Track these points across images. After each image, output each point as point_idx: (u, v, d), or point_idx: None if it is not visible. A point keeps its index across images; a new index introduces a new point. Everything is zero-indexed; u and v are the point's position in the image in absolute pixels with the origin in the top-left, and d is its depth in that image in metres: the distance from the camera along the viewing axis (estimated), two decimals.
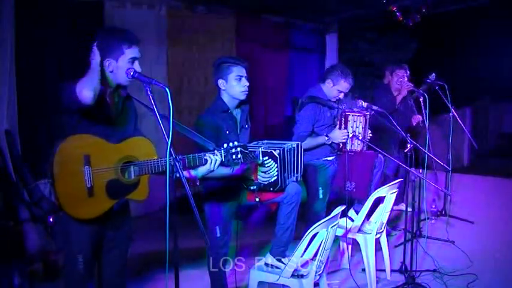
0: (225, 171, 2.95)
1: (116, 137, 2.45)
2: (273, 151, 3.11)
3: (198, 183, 2.83)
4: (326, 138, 4.08)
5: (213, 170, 2.65)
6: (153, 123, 2.46)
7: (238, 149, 2.63)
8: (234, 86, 3.19)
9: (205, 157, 2.59)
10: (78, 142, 2.32)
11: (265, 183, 3.15)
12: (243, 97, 3.24)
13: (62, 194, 2.29)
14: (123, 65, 2.41)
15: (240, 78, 3.19)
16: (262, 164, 3.10)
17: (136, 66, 2.45)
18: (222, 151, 2.62)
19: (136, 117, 2.67)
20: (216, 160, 2.61)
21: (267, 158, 3.11)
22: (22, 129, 4.41)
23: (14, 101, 4.34)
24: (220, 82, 3.21)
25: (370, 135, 4.24)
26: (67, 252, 2.50)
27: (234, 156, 2.63)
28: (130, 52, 2.42)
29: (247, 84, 3.22)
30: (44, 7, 4.58)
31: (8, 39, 4.24)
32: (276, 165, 3.12)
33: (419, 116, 5.44)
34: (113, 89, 2.50)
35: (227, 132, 3.17)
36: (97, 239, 2.52)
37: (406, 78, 5.32)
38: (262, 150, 3.11)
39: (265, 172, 3.13)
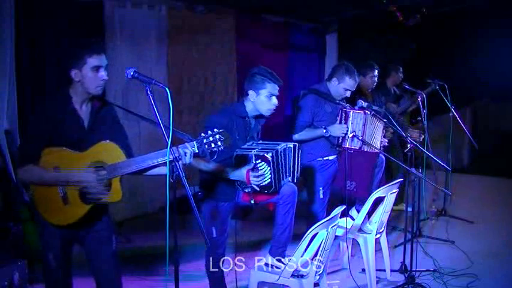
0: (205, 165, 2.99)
1: (86, 146, 2.48)
2: (266, 154, 3.04)
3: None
4: (324, 130, 4.07)
5: (188, 163, 2.44)
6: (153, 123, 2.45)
7: (217, 136, 2.44)
8: (264, 102, 3.17)
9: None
10: (47, 157, 2.42)
11: (258, 188, 3.08)
12: (267, 114, 3.23)
13: (41, 205, 2.47)
14: (87, 74, 2.42)
15: (271, 96, 3.17)
16: (255, 168, 3.04)
17: (103, 74, 2.45)
18: (195, 143, 2.44)
19: (115, 124, 2.65)
20: (186, 153, 2.41)
21: (259, 161, 3.05)
22: (22, 129, 4.41)
23: (14, 101, 4.34)
24: (251, 93, 3.18)
25: (386, 143, 4.25)
26: (42, 251, 2.58)
27: (213, 145, 2.43)
28: (93, 61, 2.42)
29: (277, 103, 3.18)
30: (44, 7, 4.58)
31: (8, 39, 4.24)
32: (269, 168, 3.05)
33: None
34: (85, 100, 2.51)
35: (237, 137, 3.14)
36: (69, 238, 2.56)
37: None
38: (255, 153, 3.04)
39: (257, 176, 3.05)
